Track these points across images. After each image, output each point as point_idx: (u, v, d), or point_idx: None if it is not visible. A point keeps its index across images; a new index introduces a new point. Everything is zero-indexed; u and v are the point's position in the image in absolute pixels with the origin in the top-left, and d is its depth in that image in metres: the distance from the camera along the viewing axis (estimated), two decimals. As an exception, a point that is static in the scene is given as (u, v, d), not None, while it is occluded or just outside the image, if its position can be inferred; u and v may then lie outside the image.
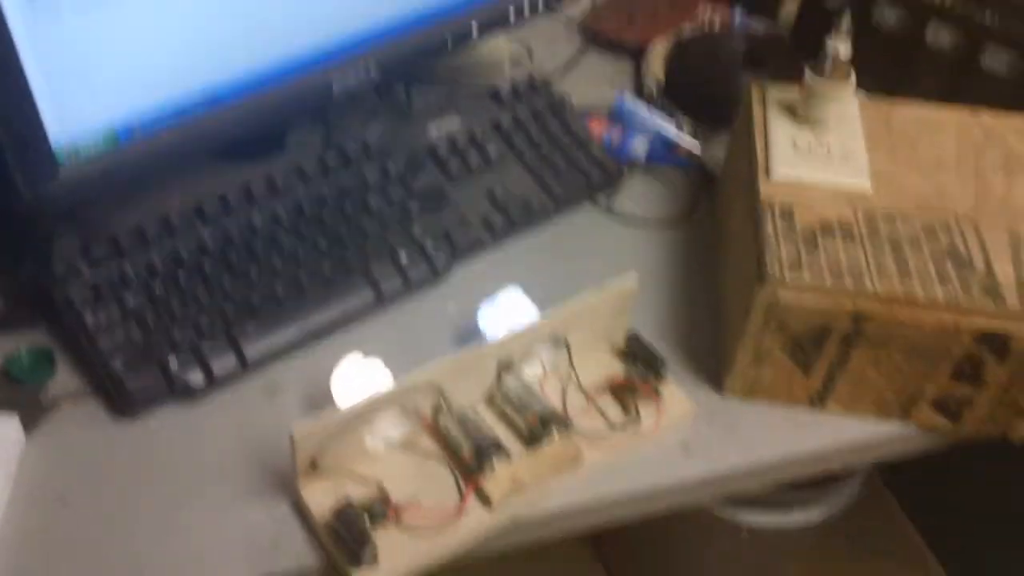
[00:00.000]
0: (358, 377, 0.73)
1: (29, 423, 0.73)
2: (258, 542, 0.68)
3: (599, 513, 0.74)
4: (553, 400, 0.75)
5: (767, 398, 0.79)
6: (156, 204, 0.84)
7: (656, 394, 0.76)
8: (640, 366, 0.78)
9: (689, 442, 0.76)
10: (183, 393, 0.75)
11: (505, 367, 0.75)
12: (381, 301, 0.83)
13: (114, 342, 0.75)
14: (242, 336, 0.77)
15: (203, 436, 0.74)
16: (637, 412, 0.76)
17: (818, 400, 0.79)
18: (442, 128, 0.93)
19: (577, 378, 0.77)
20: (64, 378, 0.77)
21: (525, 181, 0.93)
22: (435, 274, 0.85)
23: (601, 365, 0.79)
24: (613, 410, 0.76)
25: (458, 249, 0.87)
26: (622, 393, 0.77)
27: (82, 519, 0.69)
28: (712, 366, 0.81)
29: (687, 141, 0.99)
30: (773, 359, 0.76)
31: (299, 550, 0.68)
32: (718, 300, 0.86)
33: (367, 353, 0.75)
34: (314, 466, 0.68)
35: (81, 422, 0.75)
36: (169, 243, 0.81)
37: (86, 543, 0.68)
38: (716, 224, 0.93)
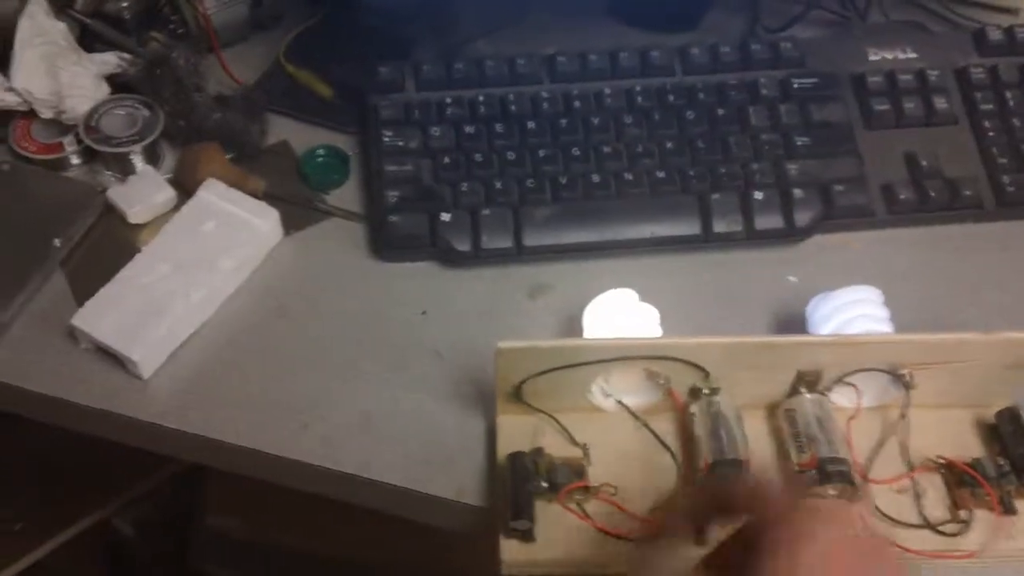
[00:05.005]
0: (618, 316, 0.58)
1: (296, 224, 0.67)
2: (437, 450, 0.57)
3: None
4: (855, 451, 0.54)
5: None
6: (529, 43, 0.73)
7: (1006, 507, 0.52)
8: (1003, 459, 0.53)
9: (1030, 592, 0.51)
10: (443, 253, 0.65)
11: (809, 381, 0.55)
12: (706, 239, 0.65)
13: (399, 172, 0.66)
14: (529, 218, 0.64)
15: (446, 307, 0.64)
16: (969, 518, 0.52)
17: None
18: (885, 57, 0.70)
19: (905, 435, 0.55)
20: (350, 192, 0.70)
21: (968, 157, 0.67)
22: (789, 232, 0.65)
23: (949, 432, 0.55)
24: (935, 499, 0.53)
25: (833, 211, 0.65)
26: (959, 484, 0.53)
27: (285, 335, 0.62)
28: None
29: None
30: None
31: (466, 481, 0.56)
32: None
33: (658, 293, 0.59)
34: (518, 395, 0.55)
35: (340, 242, 0.67)
36: (504, 86, 0.69)
37: (277, 358, 0.61)
38: None
